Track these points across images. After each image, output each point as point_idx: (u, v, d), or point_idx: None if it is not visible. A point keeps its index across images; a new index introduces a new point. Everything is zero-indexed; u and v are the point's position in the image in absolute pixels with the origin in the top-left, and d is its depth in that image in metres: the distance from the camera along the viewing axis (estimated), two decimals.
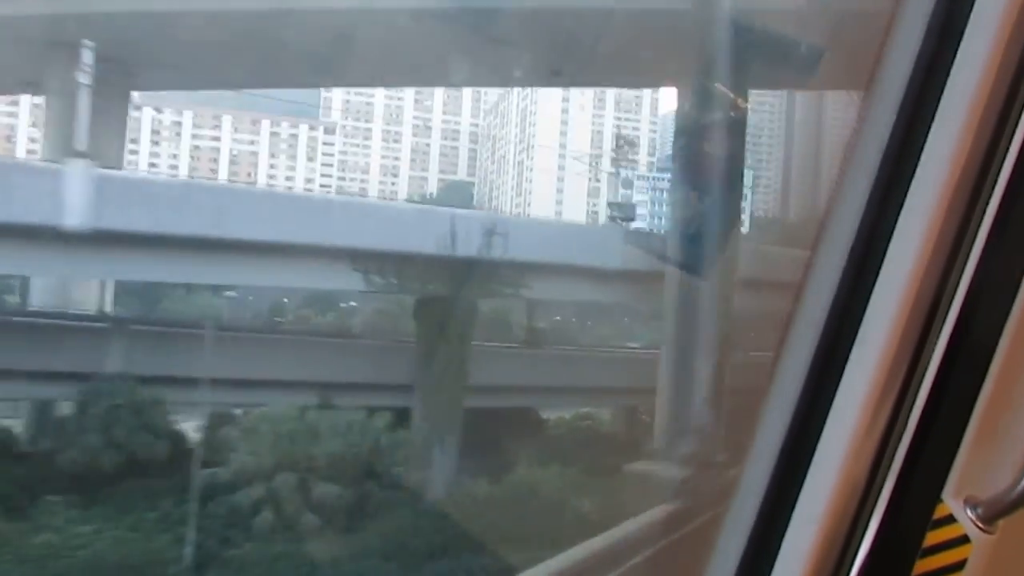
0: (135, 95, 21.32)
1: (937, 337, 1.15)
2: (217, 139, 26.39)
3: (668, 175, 22.25)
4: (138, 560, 13.25)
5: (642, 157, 26.88)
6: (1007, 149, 1.15)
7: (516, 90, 27.40)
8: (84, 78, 15.89)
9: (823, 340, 1.20)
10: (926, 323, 1.15)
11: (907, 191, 1.16)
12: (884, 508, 1.14)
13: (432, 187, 28.89)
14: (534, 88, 26.24)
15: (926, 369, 1.14)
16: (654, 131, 27.02)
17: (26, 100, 21.43)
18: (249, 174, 26.25)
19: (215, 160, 26.00)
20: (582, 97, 26.72)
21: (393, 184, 28.20)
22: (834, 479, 1.15)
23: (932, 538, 1.13)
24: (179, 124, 26.20)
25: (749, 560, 1.21)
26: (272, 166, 26.46)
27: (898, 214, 1.16)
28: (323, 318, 23.05)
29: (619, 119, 27.22)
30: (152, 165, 24.79)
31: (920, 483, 1.14)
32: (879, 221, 1.18)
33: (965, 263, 1.15)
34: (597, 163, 26.40)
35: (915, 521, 1.14)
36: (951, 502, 1.13)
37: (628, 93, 26.70)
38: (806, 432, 1.18)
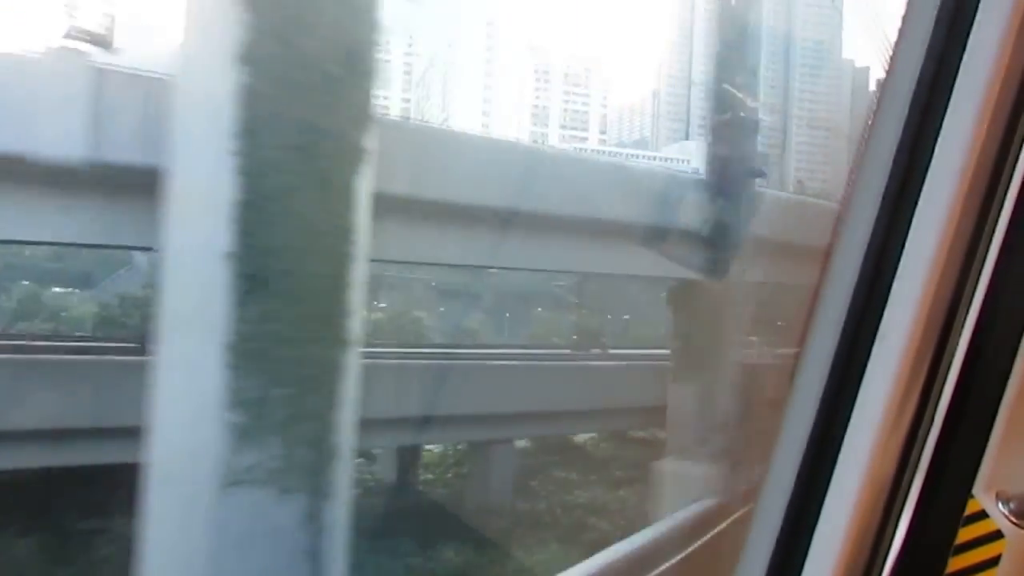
0: None
1: (960, 331, 1.14)
2: None
3: None
4: None
5: None
6: (1023, 140, 1.15)
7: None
8: None
9: (844, 336, 1.19)
10: (948, 317, 1.14)
11: (922, 185, 1.16)
12: (914, 505, 1.13)
13: None
14: None
15: (951, 363, 1.14)
16: None
17: None
18: None
19: None
20: None
21: None
22: (862, 477, 1.14)
23: (964, 534, 1.13)
24: None
25: (778, 560, 1.20)
26: None
27: (915, 207, 1.16)
28: None
29: None
30: None
31: (950, 479, 1.13)
32: (896, 214, 1.17)
33: (986, 254, 1.14)
34: None
35: (946, 517, 1.13)
36: (982, 497, 1.13)
37: None
38: (831, 430, 1.17)
